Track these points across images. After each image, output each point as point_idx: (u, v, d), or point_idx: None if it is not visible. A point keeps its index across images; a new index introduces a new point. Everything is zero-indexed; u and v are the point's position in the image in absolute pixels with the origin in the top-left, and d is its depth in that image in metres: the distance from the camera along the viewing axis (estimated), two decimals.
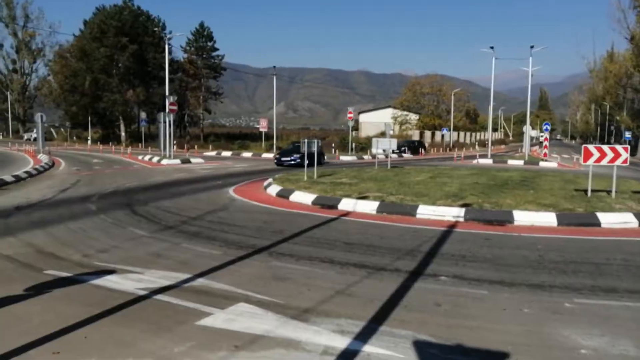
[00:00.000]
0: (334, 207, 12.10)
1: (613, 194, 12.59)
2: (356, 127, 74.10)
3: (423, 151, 45.60)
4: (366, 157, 37.34)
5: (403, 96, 77.63)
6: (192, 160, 29.48)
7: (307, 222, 10.27)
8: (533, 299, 5.64)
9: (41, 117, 29.28)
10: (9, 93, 68.62)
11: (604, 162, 12.28)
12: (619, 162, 12.14)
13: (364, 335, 4.54)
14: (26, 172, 19.91)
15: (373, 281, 6.26)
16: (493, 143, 45.61)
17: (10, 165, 24.03)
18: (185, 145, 41.93)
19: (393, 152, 39.15)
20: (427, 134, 63.74)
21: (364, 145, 43.56)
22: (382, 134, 38.78)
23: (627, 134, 51.40)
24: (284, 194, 13.97)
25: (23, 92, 70.66)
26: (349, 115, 41.50)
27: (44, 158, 27.01)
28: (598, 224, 10.10)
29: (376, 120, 64.29)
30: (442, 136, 59.79)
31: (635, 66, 47.51)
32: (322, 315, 5.03)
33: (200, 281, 6.15)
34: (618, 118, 60.50)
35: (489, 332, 4.68)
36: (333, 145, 43.28)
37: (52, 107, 63.43)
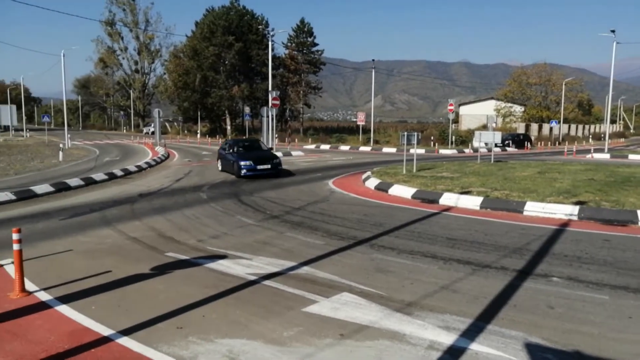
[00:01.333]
0: (434, 201, 11.85)
1: None
2: (456, 120, 71.52)
3: (529, 145, 42.78)
4: (467, 150, 35.92)
5: (507, 87, 73.18)
6: (293, 153, 30.42)
7: (407, 215, 10.18)
8: None
9: (158, 112, 31.98)
10: (131, 91, 75.83)
11: None
12: None
13: (471, 333, 4.43)
14: (146, 162, 21.93)
15: (478, 278, 6.07)
16: (611, 136, 41.52)
17: (133, 157, 26.63)
18: (286, 139, 43.34)
19: (496, 145, 37.32)
20: (534, 126, 59.63)
21: (464, 139, 41.93)
22: (484, 127, 37.04)
23: None
24: (382, 187, 13.94)
25: (143, 90, 77.77)
26: (449, 107, 40.15)
27: (160, 150, 29.52)
28: None
29: (477, 113, 61.50)
30: (551, 129, 55.55)
31: None
32: (426, 310, 4.99)
33: (305, 269, 6.39)
34: None
35: (611, 341, 4.33)
36: (432, 138, 42.20)
37: (167, 103, 68.91)
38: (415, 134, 17.52)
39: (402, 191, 13.11)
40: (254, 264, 6.63)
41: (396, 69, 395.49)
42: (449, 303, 5.20)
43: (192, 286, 5.76)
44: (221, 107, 55.48)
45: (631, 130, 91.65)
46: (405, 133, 17.12)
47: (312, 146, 40.12)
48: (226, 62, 53.72)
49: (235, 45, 51.53)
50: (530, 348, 4.15)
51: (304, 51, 58.44)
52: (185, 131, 62.32)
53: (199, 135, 54.98)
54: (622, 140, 65.46)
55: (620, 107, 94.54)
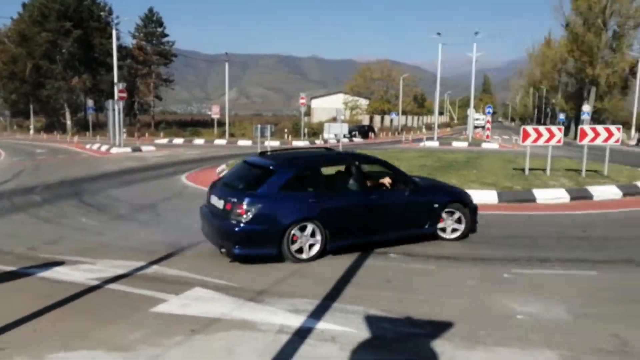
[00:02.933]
0: None
1: (548, 171, 13.40)
2: (308, 113, 74.18)
3: (373, 135, 46.31)
4: (318, 142, 37.57)
5: (354, 82, 78.25)
6: (143, 148, 28.64)
7: None
8: (476, 272, 6.01)
9: None
10: None
11: (540, 142, 13.02)
12: (553, 142, 12.91)
13: (318, 313, 4.71)
14: None
15: (326, 260, 6.43)
16: (439, 126, 46.89)
17: None
18: (136, 133, 40.56)
19: (344, 136, 39.54)
20: (377, 118, 64.71)
21: (316, 131, 43.73)
22: (334, 119, 39.06)
23: (562, 116, 54.20)
24: None
25: None
26: (300, 101, 41.47)
27: None
28: (534, 200, 10.77)
29: (328, 106, 64.53)
30: (391, 120, 60.88)
31: (570, 51, 50.02)
32: (277, 296, 5.16)
33: (154, 268, 6.13)
34: (554, 101, 63.72)
35: (436, 304, 4.97)
36: (286, 130, 43.22)
37: None
38: (269, 126, 17.84)
39: None
40: (96, 268, 6.15)
41: (251, 62, 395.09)
42: (299, 287, 5.45)
43: (20, 300, 5.15)
44: (59, 100, 49.75)
45: (455, 121, 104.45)
46: (259, 126, 17.34)
47: (165, 140, 38.23)
48: (63, 50, 48.22)
49: (74, 32, 46.55)
50: (370, 320, 4.56)
51: (154, 42, 55.23)
52: (15, 127, 54.54)
53: (31, 131, 48.68)
54: (449, 129, 74.26)
55: (446, 101, 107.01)
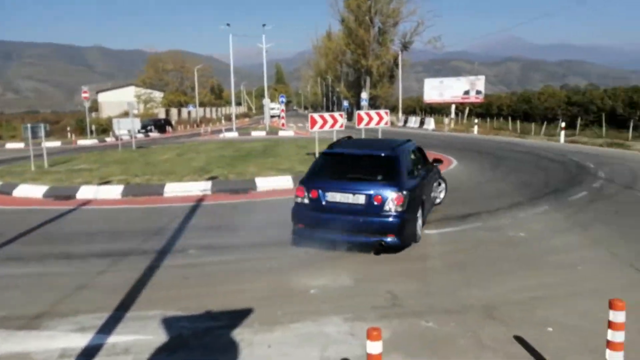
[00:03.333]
0: (71, 197, 10.87)
1: None
2: (96, 108, 67.19)
3: (170, 129, 44.48)
4: (109, 139, 34.43)
5: (145, 74, 73.62)
6: None
7: (37, 218, 8.96)
8: (277, 255, 6.23)
9: None
10: None
11: (326, 127, 14.19)
12: (337, 127, 14.20)
13: (109, 326, 4.31)
14: None
15: (119, 268, 5.95)
16: (238, 117, 47.63)
17: None
18: None
19: (139, 131, 37.01)
20: (174, 111, 62.29)
21: (106, 127, 39.93)
22: (127, 114, 36.22)
23: (345, 103, 60.20)
24: (5, 190, 11.85)
25: None
26: (83, 95, 37.24)
27: None
28: None
29: (119, 100, 59.28)
30: (189, 113, 59.30)
31: (347, 44, 55.66)
32: (57, 317, 4.55)
33: None
34: (338, 89, 70.23)
35: (236, 293, 5.02)
36: (68, 129, 38.48)
37: None
38: (42, 125, 15.57)
39: (31, 191, 11.49)
40: None
41: (15, 51, 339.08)
42: (85, 303, 4.90)
43: None
44: None
45: (253, 111, 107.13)
46: (29, 125, 14.98)
47: None
48: None
49: None
50: (167, 322, 4.36)
51: None
52: None
53: None
54: (247, 119, 75.84)
55: (243, 92, 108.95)
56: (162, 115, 55.97)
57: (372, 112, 14.96)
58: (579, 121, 29.06)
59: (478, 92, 41.56)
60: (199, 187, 10.88)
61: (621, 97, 29.02)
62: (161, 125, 43.60)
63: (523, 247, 6.38)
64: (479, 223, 7.65)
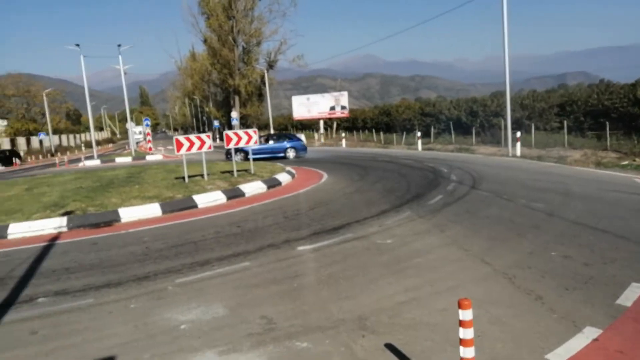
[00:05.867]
0: None
1: (205, 176, 14.30)
2: None
3: (18, 161, 39.67)
4: None
5: None
6: None
7: None
8: (140, 293, 5.77)
9: None
10: None
11: (194, 149, 13.73)
12: (205, 148, 13.82)
13: None
14: None
15: None
16: (100, 143, 44.23)
17: None
18: None
19: None
20: (21, 140, 55.72)
21: None
22: None
23: (216, 123, 59.29)
24: None
25: None
26: None
27: None
28: (196, 206, 11.28)
29: None
30: (41, 141, 53.58)
31: (212, 64, 54.91)
32: None
33: None
34: (207, 109, 68.94)
35: (95, 342, 4.50)
36: None
37: None
38: None
39: None
40: None
41: None
42: None
43: None
44: None
45: (118, 135, 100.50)
46: None
47: None
48: None
49: None
50: None
51: None
52: None
53: None
54: (111, 145, 70.85)
55: (104, 116, 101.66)
56: (6, 145, 49.75)
57: (241, 132, 14.83)
58: (432, 130, 32.04)
59: (343, 107, 43.76)
60: (52, 225, 9.73)
61: (463, 107, 32.67)
62: (6, 157, 38.80)
63: (390, 254, 6.72)
64: (349, 234, 7.91)
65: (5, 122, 59.59)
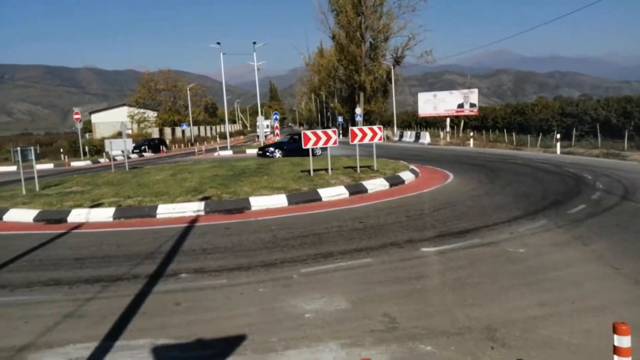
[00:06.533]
0: (62, 220, 10.70)
1: (329, 171, 14.63)
2: (90, 129, 67.13)
3: (164, 149, 44.40)
4: (102, 160, 34.26)
5: (138, 93, 73.74)
6: None
7: (27, 243, 8.79)
8: (267, 278, 6.09)
9: None
10: None
11: (320, 144, 14.11)
12: (330, 143, 14.13)
13: (97, 357, 4.14)
14: None
15: (108, 295, 5.77)
16: (232, 135, 47.68)
17: None
18: None
19: (133, 152, 36.87)
20: (168, 130, 62.32)
21: (99, 148, 39.82)
22: (120, 134, 36.15)
23: (340, 118, 60.39)
24: None
25: None
26: (75, 116, 37.20)
27: None
28: (320, 199, 11.59)
29: (112, 120, 59.43)
30: (183, 132, 59.38)
31: (339, 60, 56.04)
32: (44, 348, 4.38)
33: None
34: (332, 105, 70.55)
35: (227, 320, 4.85)
36: (62, 150, 38.32)
37: None
38: (31, 148, 15.39)
39: (22, 215, 11.31)
40: None
41: (8, 74, 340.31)
42: (73, 332, 4.72)
43: None
44: None
45: (248, 128, 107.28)
46: (19, 149, 14.82)
47: None
48: None
49: None
50: (157, 351, 4.19)
51: None
52: None
53: None
54: (242, 137, 75.91)
55: (237, 109, 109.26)
56: (155, 134, 56.00)
57: (366, 129, 14.89)
58: (574, 132, 29.15)
59: (472, 105, 41.78)
60: (192, 208, 10.72)
61: (614, 107, 29.19)
62: (155, 145, 43.54)
63: (522, 264, 6.25)
64: (477, 239, 7.52)
65: (155, 114, 66.99)
